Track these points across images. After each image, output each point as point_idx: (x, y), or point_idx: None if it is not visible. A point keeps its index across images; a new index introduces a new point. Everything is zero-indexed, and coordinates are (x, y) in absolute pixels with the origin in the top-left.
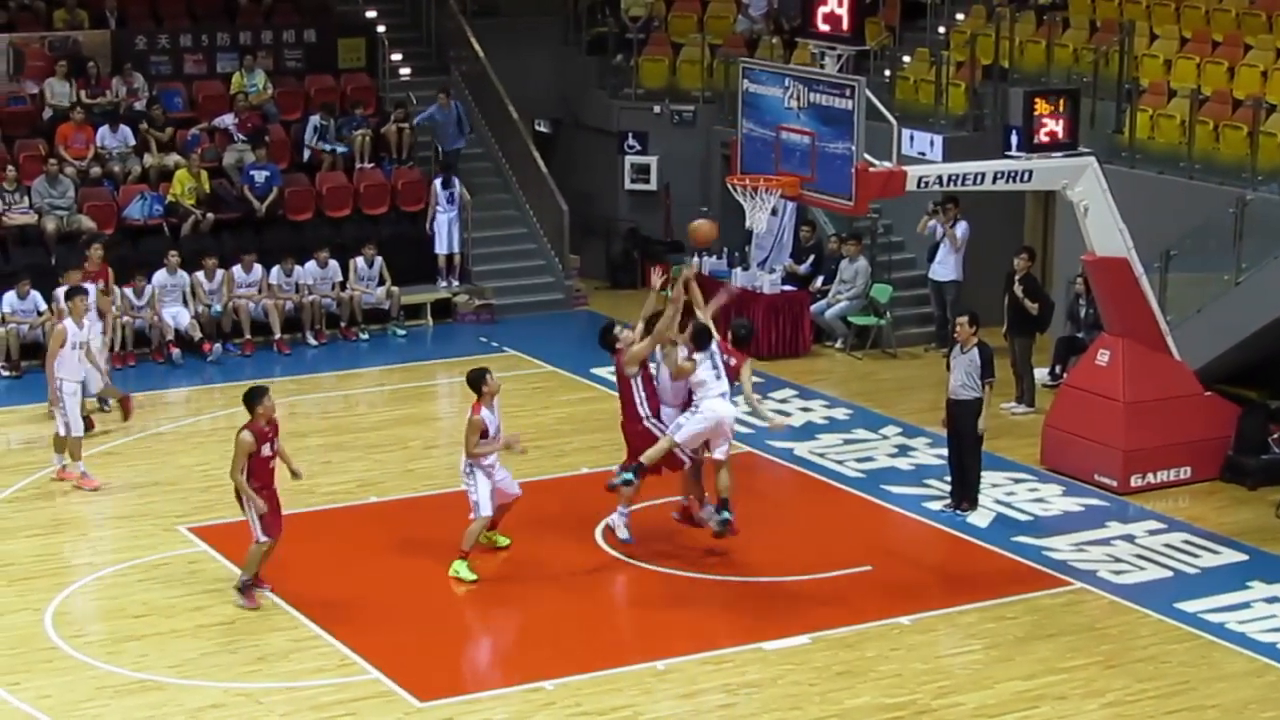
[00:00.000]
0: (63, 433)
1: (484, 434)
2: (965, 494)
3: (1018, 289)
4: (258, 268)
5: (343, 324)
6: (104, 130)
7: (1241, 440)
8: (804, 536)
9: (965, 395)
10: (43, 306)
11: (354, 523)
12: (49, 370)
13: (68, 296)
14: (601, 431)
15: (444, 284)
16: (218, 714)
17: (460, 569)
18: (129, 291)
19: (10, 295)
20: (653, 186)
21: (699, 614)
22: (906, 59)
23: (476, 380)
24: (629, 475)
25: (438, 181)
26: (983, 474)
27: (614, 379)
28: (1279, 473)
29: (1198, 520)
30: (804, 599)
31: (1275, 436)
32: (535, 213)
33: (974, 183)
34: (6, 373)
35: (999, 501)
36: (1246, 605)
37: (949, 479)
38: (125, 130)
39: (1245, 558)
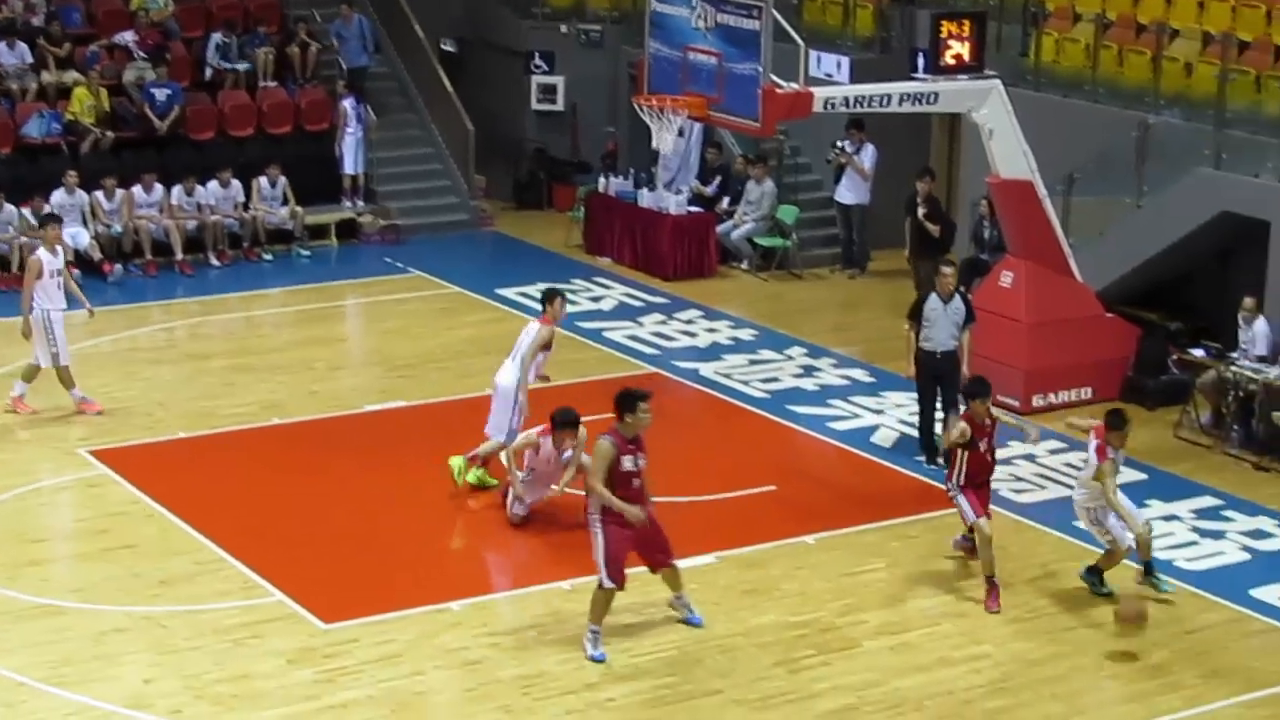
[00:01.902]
0: (47, 364)
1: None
2: None
3: (920, 211)
4: (158, 187)
5: (246, 244)
6: (0, 47)
7: (1141, 361)
8: (710, 457)
9: (954, 345)
10: None
11: (258, 445)
12: (26, 301)
13: (41, 224)
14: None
15: (349, 204)
16: (121, 639)
17: (458, 465)
18: (26, 211)
19: None
20: (560, 107)
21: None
22: None
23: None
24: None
25: (346, 101)
26: (886, 394)
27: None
28: (1177, 393)
29: None
30: (710, 519)
31: (1174, 358)
32: (441, 133)
33: (880, 105)
34: None
35: (903, 422)
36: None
37: (918, 431)
38: (22, 47)
39: (1144, 477)
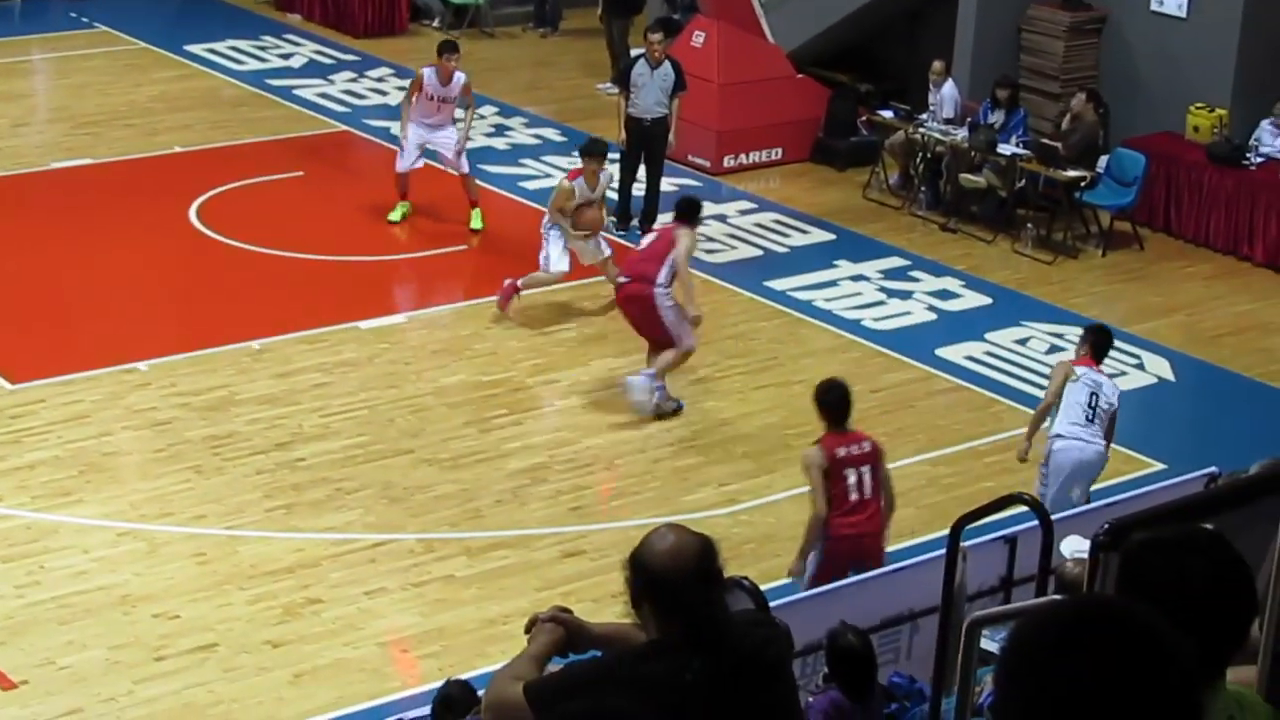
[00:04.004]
0: None
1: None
2: (650, 216)
3: None
4: None
5: None
6: None
7: (831, 122)
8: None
9: (661, 112)
10: None
11: None
12: None
13: None
14: (194, 109)
15: None
16: None
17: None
18: None
19: None
20: None
21: (296, 294)
22: None
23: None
24: None
25: None
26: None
27: None
28: (866, 154)
29: (788, 201)
30: (400, 278)
31: (864, 119)
32: None
33: None
34: None
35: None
36: (833, 284)
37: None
38: None
39: (832, 237)
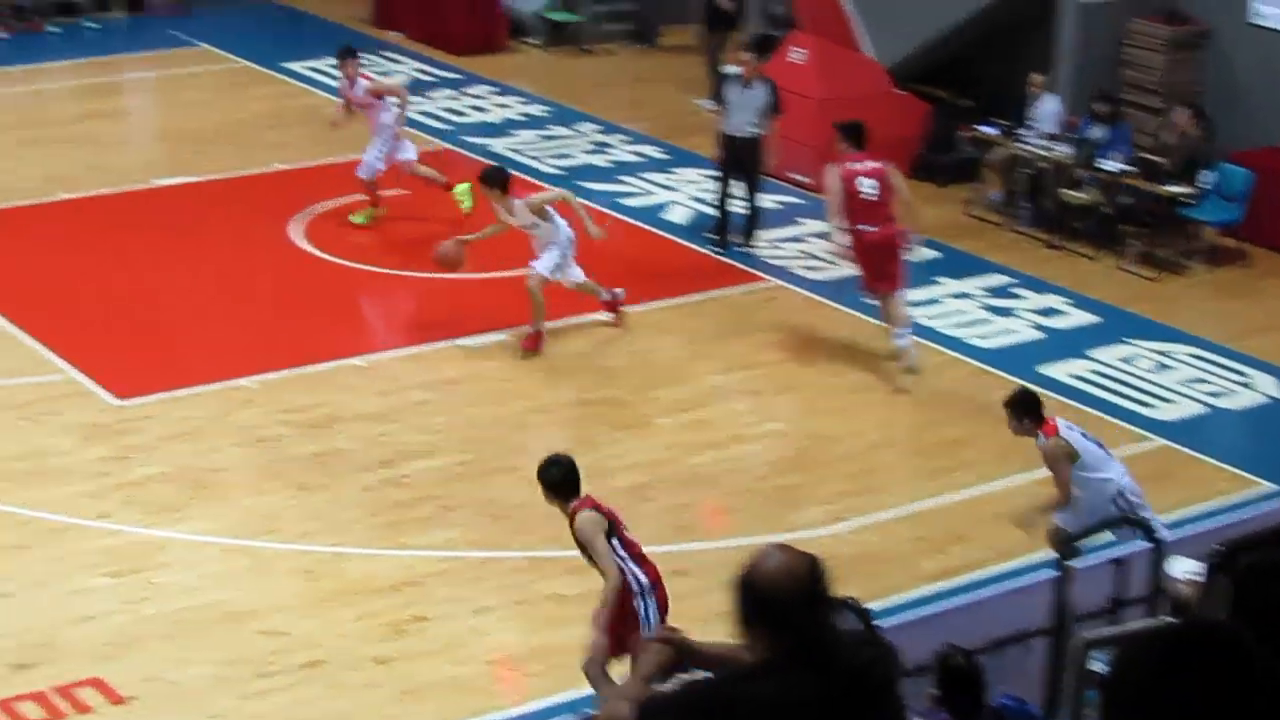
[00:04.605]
0: None
1: None
2: (750, 232)
3: None
4: None
5: (32, 16)
6: None
7: (932, 138)
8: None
9: (753, 132)
10: None
11: (44, 220)
12: None
13: None
14: (294, 127)
15: None
16: None
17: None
18: None
19: None
20: None
21: (399, 311)
22: None
23: None
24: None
25: None
26: (679, 170)
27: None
28: (968, 170)
29: None
30: (503, 296)
31: (964, 134)
32: None
33: None
34: None
35: (695, 199)
36: (936, 301)
37: (717, 214)
38: None
39: (936, 255)
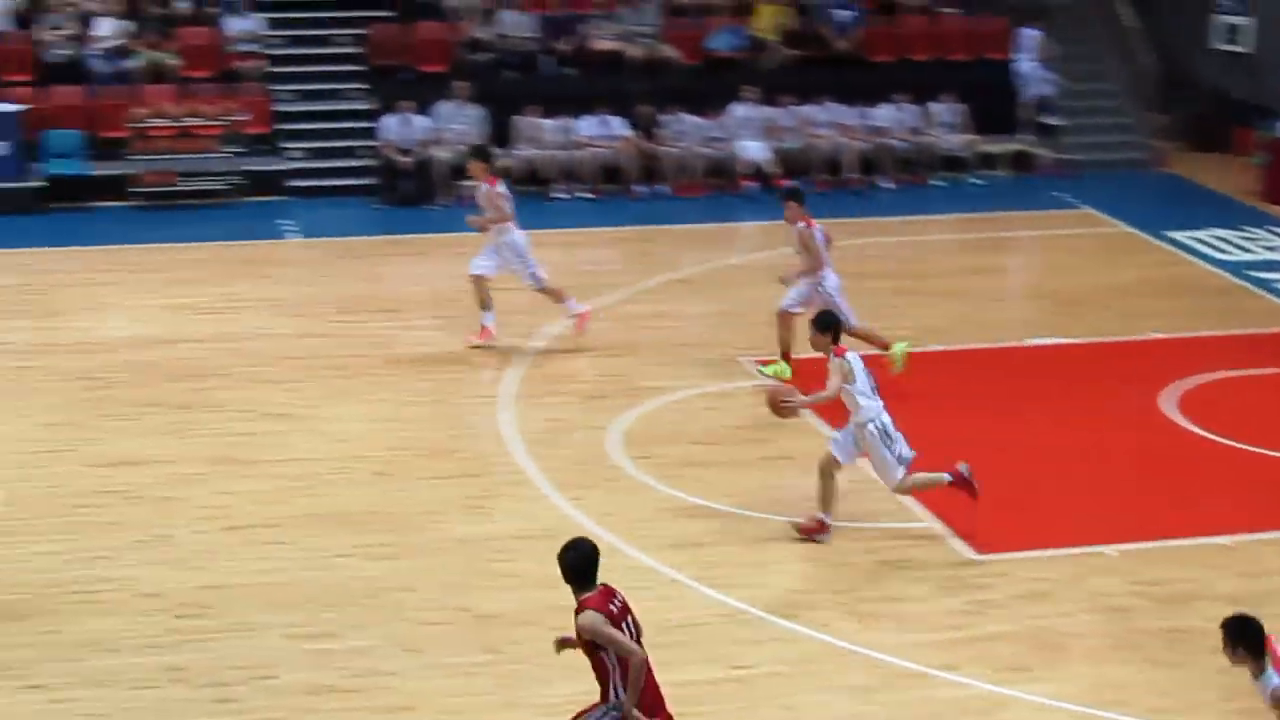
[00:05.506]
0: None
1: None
2: None
3: None
4: (834, 106)
5: (917, 169)
6: None
7: None
8: None
9: None
10: (619, 131)
11: (915, 369)
12: None
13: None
14: (1174, 297)
15: (1024, 136)
16: (774, 547)
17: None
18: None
19: (590, 120)
20: (1243, 48)
21: (1273, 493)
22: None
23: None
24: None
25: (1027, 30)
26: None
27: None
28: None
29: None
30: None
31: None
32: (1121, 67)
33: None
34: (589, 195)
35: None
36: None
37: None
38: None
39: None
